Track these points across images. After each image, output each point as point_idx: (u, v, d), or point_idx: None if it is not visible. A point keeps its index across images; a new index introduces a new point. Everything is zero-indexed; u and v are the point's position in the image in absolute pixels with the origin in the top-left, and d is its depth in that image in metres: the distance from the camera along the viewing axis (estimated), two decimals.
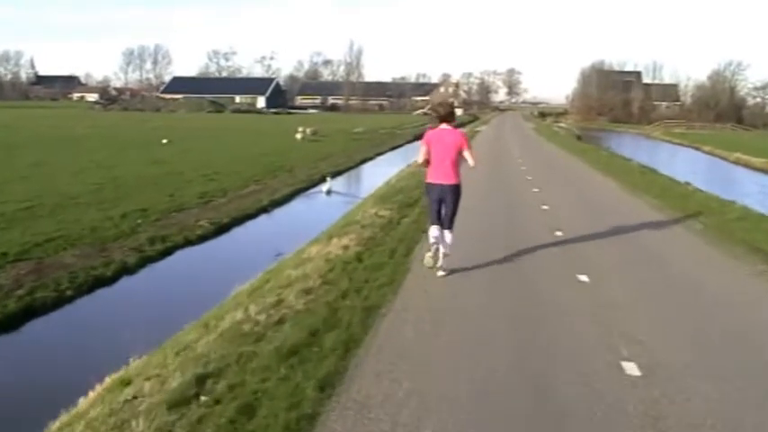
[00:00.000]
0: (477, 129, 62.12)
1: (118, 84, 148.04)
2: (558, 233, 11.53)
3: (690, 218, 13.81)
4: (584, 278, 8.53)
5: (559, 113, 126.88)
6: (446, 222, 8.41)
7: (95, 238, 13.00)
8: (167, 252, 12.95)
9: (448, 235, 8.43)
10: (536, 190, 18.06)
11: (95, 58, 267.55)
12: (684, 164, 39.59)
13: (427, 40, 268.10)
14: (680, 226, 13.00)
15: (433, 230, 8.40)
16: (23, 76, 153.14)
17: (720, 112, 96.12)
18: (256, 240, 15.07)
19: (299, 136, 42.19)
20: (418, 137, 12.23)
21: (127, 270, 11.54)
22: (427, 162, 8.42)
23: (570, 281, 8.44)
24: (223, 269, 11.87)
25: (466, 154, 8.34)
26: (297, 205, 19.97)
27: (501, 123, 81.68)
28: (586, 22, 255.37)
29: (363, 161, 33.38)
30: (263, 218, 17.56)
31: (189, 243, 13.81)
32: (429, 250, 8.64)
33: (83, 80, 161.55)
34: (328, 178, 23.01)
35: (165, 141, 38.34)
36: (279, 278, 8.95)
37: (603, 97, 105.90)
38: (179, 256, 13.04)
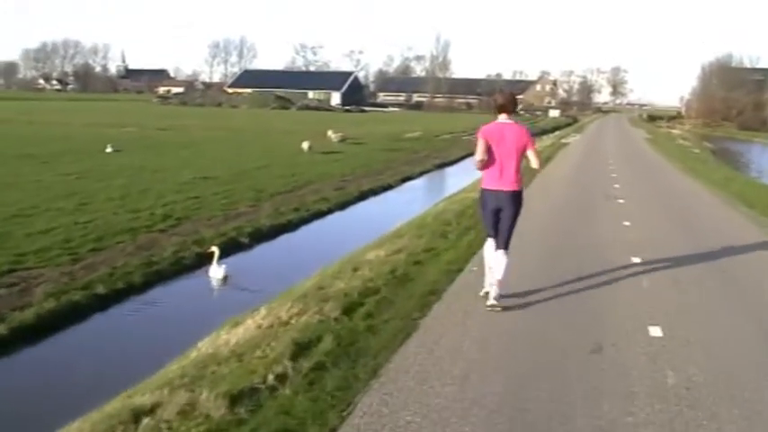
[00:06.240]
0: (566, 140, 44.21)
1: (206, 78, 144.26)
2: None
3: None
4: None
5: (671, 117, 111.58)
6: (501, 241, 6.92)
7: None
8: None
9: (502, 257, 6.88)
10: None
11: (186, 52, 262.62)
12: None
13: (526, 34, 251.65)
14: None
15: (490, 247, 6.98)
16: (113, 68, 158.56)
17: None
18: None
19: (305, 146, 29.85)
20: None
21: None
22: (483, 164, 6.84)
23: None
24: None
25: (530, 154, 6.87)
26: None
27: (601, 132, 61.62)
28: (704, 15, 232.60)
29: (368, 194, 20.51)
30: None
31: None
32: (485, 275, 7.06)
33: (172, 74, 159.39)
34: (215, 250, 11.02)
35: (109, 150, 27.08)
36: None
37: (729, 98, 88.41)
38: None
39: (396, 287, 7.46)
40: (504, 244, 6.94)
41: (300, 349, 5.34)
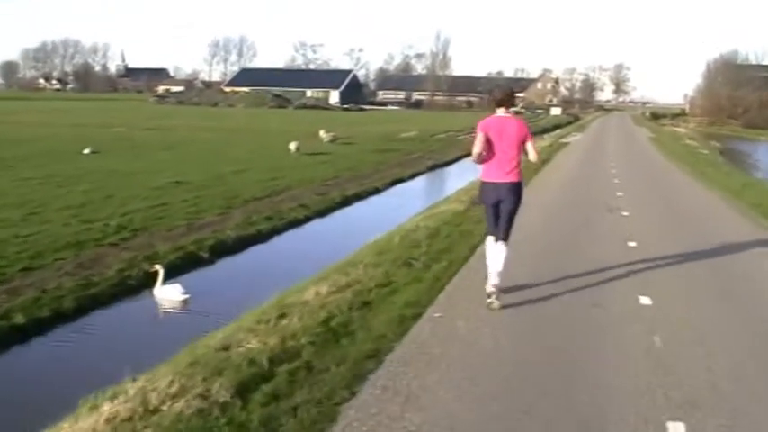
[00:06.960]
0: (567, 140, 42.53)
1: (205, 77, 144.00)
2: None
3: None
4: None
5: (675, 115, 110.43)
6: (501, 232, 7.00)
7: None
8: None
9: (502, 248, 6.95)
10: None
11: (186, 51, 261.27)
12: None
13: (528, 32, 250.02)
14: None
15: (491, 244, 7.04)
16: (113, 68, 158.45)
17: None
18: None
19: (292, 147, 28.57)
20: None
21: None
22: (481, 157, 6.91)
23: None
24: None
25: (528, 147, 7.01)
26: None
27: (603, 130, 59.24)
28: (709, 11, 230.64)
29: (352, 200, 19.16)
30: None
31: None
32: (487, 278, 6.93)
33: (172, 73, 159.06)
34: (160, 269, 9.78)
35: (86, 152, 25.94)
36: None
37: (734, 96, 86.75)
38: None
39: (325, 346, 5.70)
40: (503, 235, 7.00)
41: None
